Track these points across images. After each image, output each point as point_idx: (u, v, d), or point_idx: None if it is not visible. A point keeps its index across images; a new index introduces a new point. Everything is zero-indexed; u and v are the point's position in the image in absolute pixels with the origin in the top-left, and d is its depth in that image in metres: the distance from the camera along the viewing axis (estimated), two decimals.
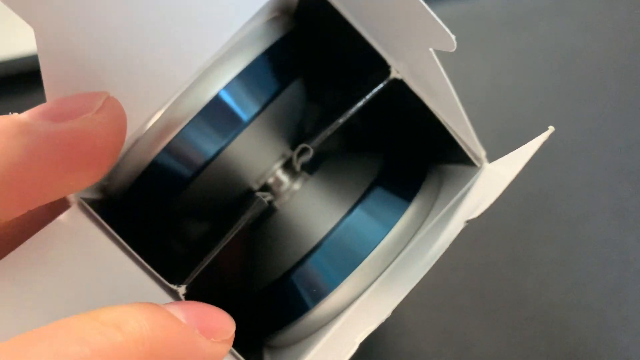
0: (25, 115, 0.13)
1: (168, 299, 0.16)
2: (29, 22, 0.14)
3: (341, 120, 0.17)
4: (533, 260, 0.29)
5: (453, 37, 0.14)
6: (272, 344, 0.20)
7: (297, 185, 0.20)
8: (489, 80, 0.31)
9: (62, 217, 0.15)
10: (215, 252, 0.17)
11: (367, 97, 0.17)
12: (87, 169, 0.14)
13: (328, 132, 0.17)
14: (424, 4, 0.14)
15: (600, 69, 0.31)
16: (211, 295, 0.20)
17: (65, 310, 0.15)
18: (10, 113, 0.13)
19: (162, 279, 0.16)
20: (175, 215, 0.21)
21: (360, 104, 0.17)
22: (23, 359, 0.10)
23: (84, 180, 0.14)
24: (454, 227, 0.15)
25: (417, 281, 0.15)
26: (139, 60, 0.16)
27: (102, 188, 0.19)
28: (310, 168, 0.21)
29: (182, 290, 0.16)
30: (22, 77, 0.32)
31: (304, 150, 0.19)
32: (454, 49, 0.14)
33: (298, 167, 0.20)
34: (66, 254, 0.15)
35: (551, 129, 0.14)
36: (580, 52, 0.32)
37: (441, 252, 0.15)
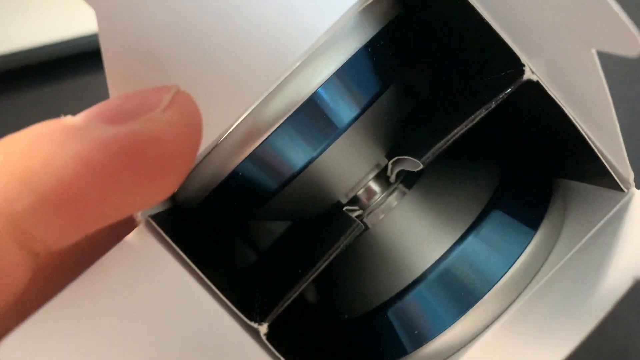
0: (78, 118, 0.10)
1: (244, 335, 0.14)
2: (88, 1, 0.12)
3: (459, 130, 0.14)
4: None
5: (639, 37, 0.10)
6: None
7: (393, 201, 0.17)
8: None
9: (128, 239, 0.13)
10: (302, 285, 0.14)
11: (493, 102, 0.14)
12: (156, 180, 0.11)
13: (443, 144, 0.14)
14: None
15: None
16: (290, 325, 0.17)
17: (133, 348, 0.12)
18: (62, 115, 0.10)
19: (240, 314, 0.14)
20: (250, 224, 0.19)
21: (484, 111, 0.14)
22: None
23: (155, 195, 0.11)
24: (619, 280, 0.12)
25: (574, 345, 0.12)
26: (219, 53, 0.13)
27: (171, 196, 0.16)
28: (407, 180, 0.17)
29: (263, 329, 0.14)
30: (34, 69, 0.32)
31: (401, 160, 0.16)
32: (637, 54, 0.11)
33: (393, 177, 0.17)
34: (133, 284, 0.13)
35: None
36: None
37: (603, 313, 0.11)
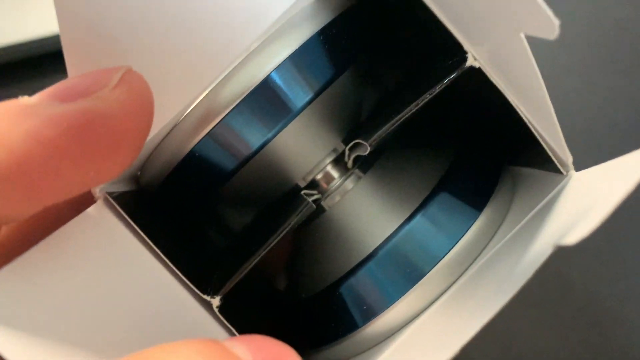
0: (33, 98, 0.11)
1: (198, 307, 0.14)
2: None
3: (404, 114, 0.15)
4: (579, 249, 0.26)
5: (557, 21, 0.11)
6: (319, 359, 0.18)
7: (349, 184, 0.18)
8: None
9: (85, 213, 0.14)
10: (254, 261, 0.15)
11: (437, 88, 0.15)
12: (107, 156, 0.11)
13: (388, 127, 0.15)
14: None
15: None
16: (248, 301, 0.18)
17: (86, 316, 0.13)
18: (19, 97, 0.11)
19: (193, 287, 0.14)
20: (213, 208, 0.19)
21: (428, 96, 0.15)
22: None
23: (107, 171, 0.12)
24: (540, 249, 0.13)
25: (493, 312, 0.12)
26: (176, 36, 0.14)
27: (135, 178, 0.17)
28: (364, 165, 0.18)
29: (216, 301, 0.14)
30: (26, 62, 0.32)
31: (357, 145, 0.17)
32: (554, 37, 0.11)
33: (350, 163, 0.18)
34: (89, 255, 0.13)
35: None
36: (625, 24, 0.29)
37: (524, 280, 0.12)
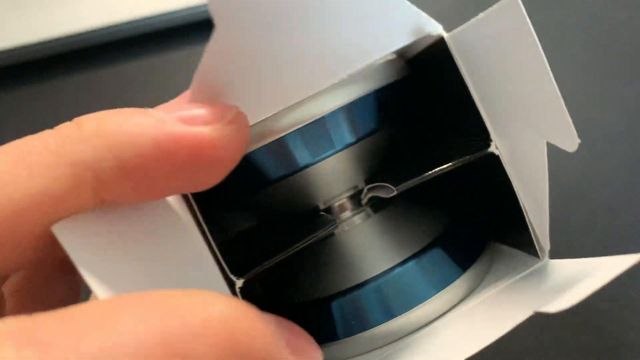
0: (163, 114, 0.13)
1: (220, 283, 0.17)
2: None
3: (432, 174, 0.18)
4: (572, 250, 0.27)
5: (578, 140, 0.15)
6: None
7: (357, 220, 0.21)
8: None
9: None
10: (279, 258, 0.17)
11: (458, 161, 0.18)
12: (204, 174, 0.14)
13: (417, 181, 0.18)
14: (559, 95, 0.15)
15: None
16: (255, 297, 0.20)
17: (136, 265, 0.15)
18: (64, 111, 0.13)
19: (225, 266, 0.17)
20: (246, 210, 0.22)
21: (451, 165, 0.18)
22: (113, 323, 0.10)
23: (198, 184, 0.14)
24: (516, 313, 0.16)
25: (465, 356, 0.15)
26: (268, 71, 0.16)
27: None
28: (375, 206, 0.21)
29: (239, 283, 0.17)
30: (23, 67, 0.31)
31: (380, 187, 0.20)
32: (573, 151, 0.15)
33: (365, 200, 0.21)
34: (151, 214, 0.15)
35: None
36: (619, 27, 0.29)
37: (497, 336, 0.15)
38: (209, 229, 0.17)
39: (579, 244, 0.27)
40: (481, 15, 0.16)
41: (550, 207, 0.26)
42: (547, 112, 0.15)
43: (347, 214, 0.21)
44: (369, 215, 0.21)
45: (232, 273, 0.17)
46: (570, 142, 0.15)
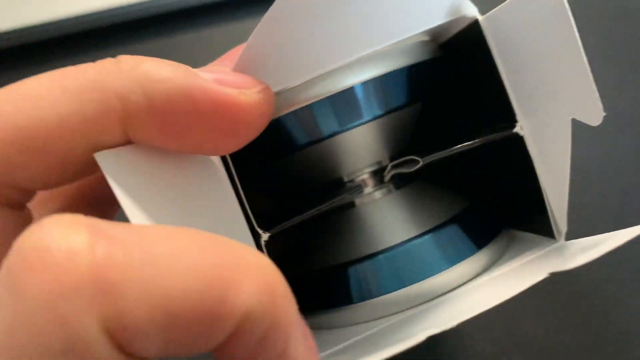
0: (204, 71, 0.15)
1: (247, 235, 0.17)
2: None
3: (456, 149, 0.19)
4: (584, 233, 0.25)
5: (603, 112, 0.15)
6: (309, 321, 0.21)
7: (379, 194, 0.21)
8: None
9: None
10: (306, 217, 0.18)
11: (484, 139, 0.19)
12: (226, 135, 0.15)
13: (441, 155, 0.19)
14: (588, 69, 0.15)
15: None
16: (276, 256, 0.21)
17: (167, 202, 0.15)
18: None
19: (252, 218, 0.17)
20: (274, 172, 0.22)
21: (476, 142, 0.19)
22: (176, 239, 0.11)
23: (215, 145, 0.15)
24: (535, 276, 0.16)
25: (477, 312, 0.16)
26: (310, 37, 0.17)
27: None
28: (397, 183, 0.22)
29: (265, 236, 0.17)
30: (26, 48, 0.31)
31: (406, 162, 0.20)
32: (598, 124, 0.15)
33: (388, 177, 0.21)
34: (186, 159, 0.16)
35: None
36: (629, 15, 0.29)
37: (513, 293, 0.16)
38: (240, 184, 0.17)
39: (591, 226, 0.27)
40: None
41: None
42: (576, 87, 0.16)
43: (369, 188, 0.22)
44: (390, 191, 0.22)
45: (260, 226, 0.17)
46: (596, 115, 0.15)
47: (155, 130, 0.14)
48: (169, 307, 0.10)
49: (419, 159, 0.19)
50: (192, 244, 0.11)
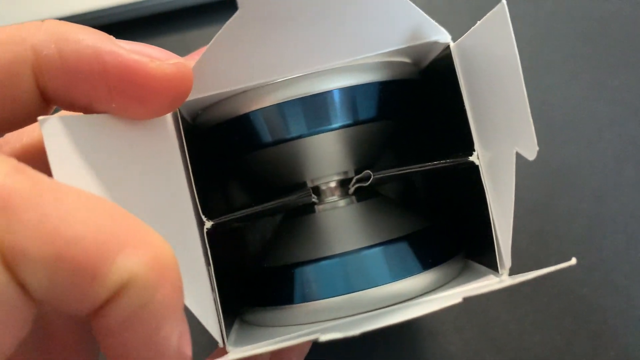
0: (121, 41, 0.16)
1: (192, 222, 0.18)
2: None
3: (404, 170, 0.19)
4: (557, 237, 0.28)
5: (536, 148, 0.15)
6: (246, 318, 0.22)
7: (341, 203, 0.22)
8: None
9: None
10: (249, 212, 0.19)
11: (438, 163, 0.19)
12: (131, 99, 0.16)
13: (393, 172, 0.19)
14: (528, 107, 0.16)
15: (630, 37, 0.29)
16: (224, 249, 0.22)
17: (113, 180, 0.16)
18: None
19: (199, 204, 0.18)
20: (235, 168, 0.23)
21: (430, 166, 0.19)
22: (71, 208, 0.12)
23: (124, 108, 0.16)
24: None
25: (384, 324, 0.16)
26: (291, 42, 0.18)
27: (194, 115, 0.21)
28: (360, 195, 0.22)
29: (208, 224, 0.18)
30: None
31: (364, 178, 0.21)
32: (532, 159, 0.16)
33: (352, 189, 0.22)
34: (143, 138, 0.17)
35: (573, 260, 0.15)
36: (608, 18, 0.29)
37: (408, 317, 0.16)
38: (193, 170, 0.18)
39: (565, 229, 0.28)
40: (478, 23, 0.17)
41: (538, 193, 0.28)
42: (518, 124, 0.16)
43: (333, 197, 0.22)
44: (352, 202, 0.22)
45: (206, 215, 0.18)
46: (530, 152, 0.16)
47: (63, 84, 0.15)
48: (58, 245, 0.11)
49: (371, 174, 0.19)
50: (98, 207, 0.12)
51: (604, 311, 0.27)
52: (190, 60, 0.17)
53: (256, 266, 0.22)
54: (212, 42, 0.17)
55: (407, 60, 0.21)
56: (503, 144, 0.18)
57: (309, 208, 0.22)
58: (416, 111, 0.22)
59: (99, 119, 0.16)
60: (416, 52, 0.21)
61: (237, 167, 0.23)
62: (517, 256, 0.28)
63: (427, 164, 0.19)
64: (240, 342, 0.19)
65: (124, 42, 0.15)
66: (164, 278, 0.13)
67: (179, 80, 0.16)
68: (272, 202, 0.19)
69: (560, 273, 0.26)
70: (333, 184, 0.22)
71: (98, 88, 0.15)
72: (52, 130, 0.15)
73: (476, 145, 0.19)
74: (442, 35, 0.19)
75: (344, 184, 0.22)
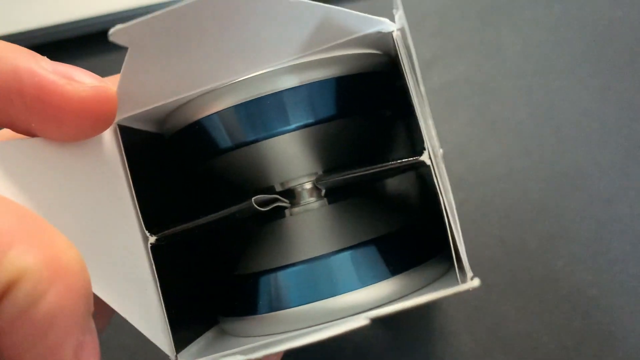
0: (47, 62, 0.15)
1: (138, 237, 0.18)
2: None
3: (352, 174, 0.18)
4: (565, 238, 0.28)
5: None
6: (222, 326, 0.22)
7: (313, 206, 0.21)
8: (520, 53, 0.29)
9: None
10: (190, 226, 0.18)
11: (389, 164, 0.17)
12: (48, 120, 0.15)
13: (338, 177, 0.18)
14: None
15: (638, 42, 0.29)
16: (187, 259, 0.22)
17: (52, 202, 0.17)
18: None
19: (141, 220, 0.18)
20: (201, 173, 0.23)
21: (378, 167, 0.18)
22: None
23: (41, 129, 0.16)
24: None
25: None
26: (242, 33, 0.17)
27: (160, 122, 0.21)
28: (332, 198, 0.21)
29: (151, 239, 0.18)
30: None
31: (321, 178, 0.20)
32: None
33: (323, 191, 0.21)
34: (81, 159, 0.17)
35: (476, 281, 0.13)
36: (617, 23, 0.29)
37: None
38: (137, 188, 0.18)
39: (574, 232, 0.28)
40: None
41: (547, 195, 0.28)
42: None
43: (305, 200, 0.21)
44: (323, 205, 0.21)
45: (151, 229, 0.18)
46: None
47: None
48: None
49: (322, 180, 0.18)
50: (1, 204, 0.13)
51: (613, 312, 0.27)
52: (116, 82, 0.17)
53: (225, 273, 0.22)
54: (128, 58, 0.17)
55: (375, 51, 0.20)
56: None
57: (280, 212, 0.21)
58: (382, 106, 0.21)
59: (31, 143, 0.17)
60: (381, 42, 0.19)
61: (202, 174, 0.22)
62: (526, 257, 0.28)
63: (375, 166, 0.18)
64: (199, 352, 0.19)
65: (48, 63, 0.16)
66: (59, 279, 0.12)
67: (97, 103, 0.16)
68: (214, 215, 0.19)
69: (570, 274, 0.27)
70: (308, 186, 0.21)
71: (16, 106, 0.15)
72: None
73: (427, 143, 0.17)
74: (384, 25, 0.18)
75: (315, 185, 0.21)
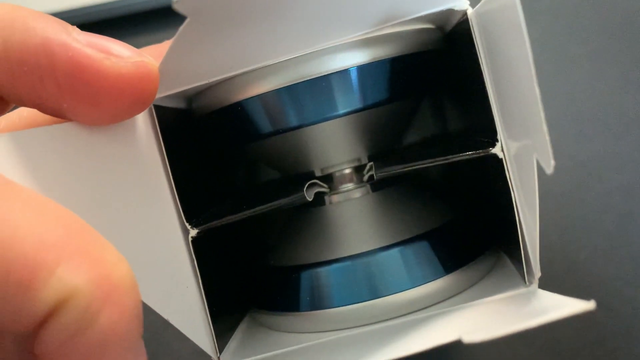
0: (80, 32, 0.13)
1: (177, 230, 0.17)
2: None
3: (416, 165, 0.16)
4: (587, 230, 0.28)
5: (551, 161, 0.12)
6: (255, 317, 0.20)
7: (355, 194, 0.19)
8: (537, 42, 0.28)
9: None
10: (238, 218, 0.17)
11: (457, 156, 0.16)
12: (82, 100, 0.13)
13: (398, 169, 0.17)
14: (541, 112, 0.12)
15: None
16: (224, 249, 0.20)
17: (82, 192, 0.15)
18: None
19: (182, 212, 0.17)
20: (238, 158, 0.22)
21: (444, 160, 0.16)
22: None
23: (73, 110, 0.14)
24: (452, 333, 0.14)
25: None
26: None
27: (188, 98, 0.19)
28: (376, 185, 0.20)
29: (193, 232, 0.17)
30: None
31: (371, 168, 0.18)
32: (549, 173, 0.12)
33: (366, 177, 0.19)
34: (114, 146, 0.16)
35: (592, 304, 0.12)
36: (635, 12, 0.29)
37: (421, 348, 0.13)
38: (174, 175, 0.17)
39: (595, 223, 0.27)
40: None
41: (567, 187, 0.27)
42: (532, 122, 0.13)
43: (346, 186, 0.20)
44: (367, 192, 0.20)
45: (192, 222, 0.17)
46: (546, 163, 0.12)
47: (7, 78, 0.13)
48: None
49: (374, 174, 0.17)
50: (47, 212, 0.11)
51: (635, 305, 0.26)
52: (158, 56, 0.15)
53: (262, 263, 0.21)
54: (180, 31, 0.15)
55: (429, 25, 0.18)
56: (525, 138, 0.14)
57: (319, 200, 0.20)
58: (436, 87, 0.19)
59: (58, 131, 0.15)
60: (438, 17, 0.17)
61: (237, 156, 0.21)
62: (547, 249, 0.27)
63: (440, 158, 0.16)
64: (240, 351, 0.18)
65: (82, 34, 0.13)
66: (112, 299, 0.11)
67: (138, 81, 0.14)
68: (262, 207, 0.17)
69: (592, 266, 0.27)
70: (347, 171, 0.20)
71: (46, 84, 0.13)
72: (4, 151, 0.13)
73: (500, 135, 0.16)
74: (457, 2, 0.16)
75: (359, 170, 0.20)
